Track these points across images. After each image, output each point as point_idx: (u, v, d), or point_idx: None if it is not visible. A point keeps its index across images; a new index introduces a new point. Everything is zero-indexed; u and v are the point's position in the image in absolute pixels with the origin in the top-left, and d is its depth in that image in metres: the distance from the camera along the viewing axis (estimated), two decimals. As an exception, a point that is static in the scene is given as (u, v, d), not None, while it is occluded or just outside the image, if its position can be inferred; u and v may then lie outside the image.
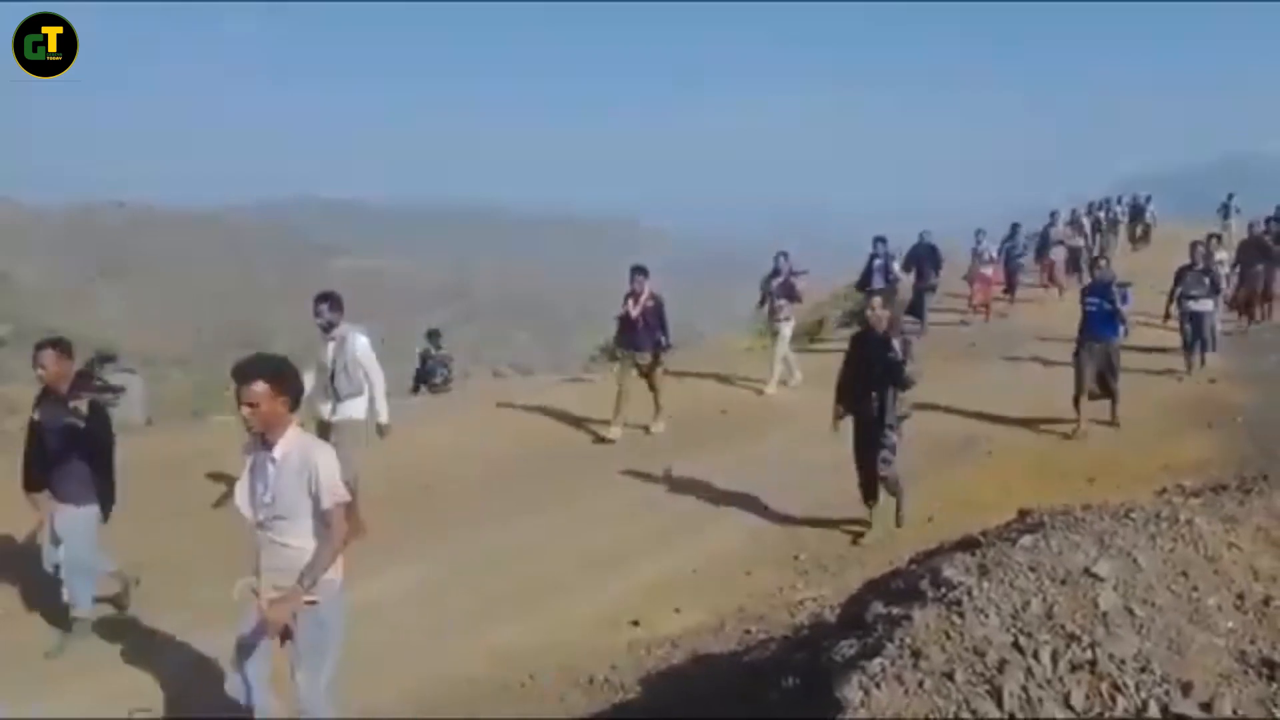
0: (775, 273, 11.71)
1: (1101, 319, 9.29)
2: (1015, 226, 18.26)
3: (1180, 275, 11.73)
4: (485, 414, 10.03)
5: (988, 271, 16.77)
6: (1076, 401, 9.23)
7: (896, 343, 6.47)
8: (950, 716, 2.30)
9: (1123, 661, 2.46)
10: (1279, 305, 14.43)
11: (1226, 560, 3.04)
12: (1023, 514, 3.63)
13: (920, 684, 2.40)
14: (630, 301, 9.76)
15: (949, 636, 2.57)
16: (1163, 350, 11.83)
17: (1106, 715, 2.30)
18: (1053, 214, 19.36)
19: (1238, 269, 14.06)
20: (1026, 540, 3.06)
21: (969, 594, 2.73)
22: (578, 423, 10.07)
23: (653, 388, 9.89)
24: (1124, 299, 9.37)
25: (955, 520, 6.38)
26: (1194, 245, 12.04)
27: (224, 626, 5.58)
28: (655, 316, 9.71)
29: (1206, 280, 11.53)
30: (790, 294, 11.60)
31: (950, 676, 2.41)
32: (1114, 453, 8.42)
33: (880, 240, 14.10)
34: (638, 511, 7.48)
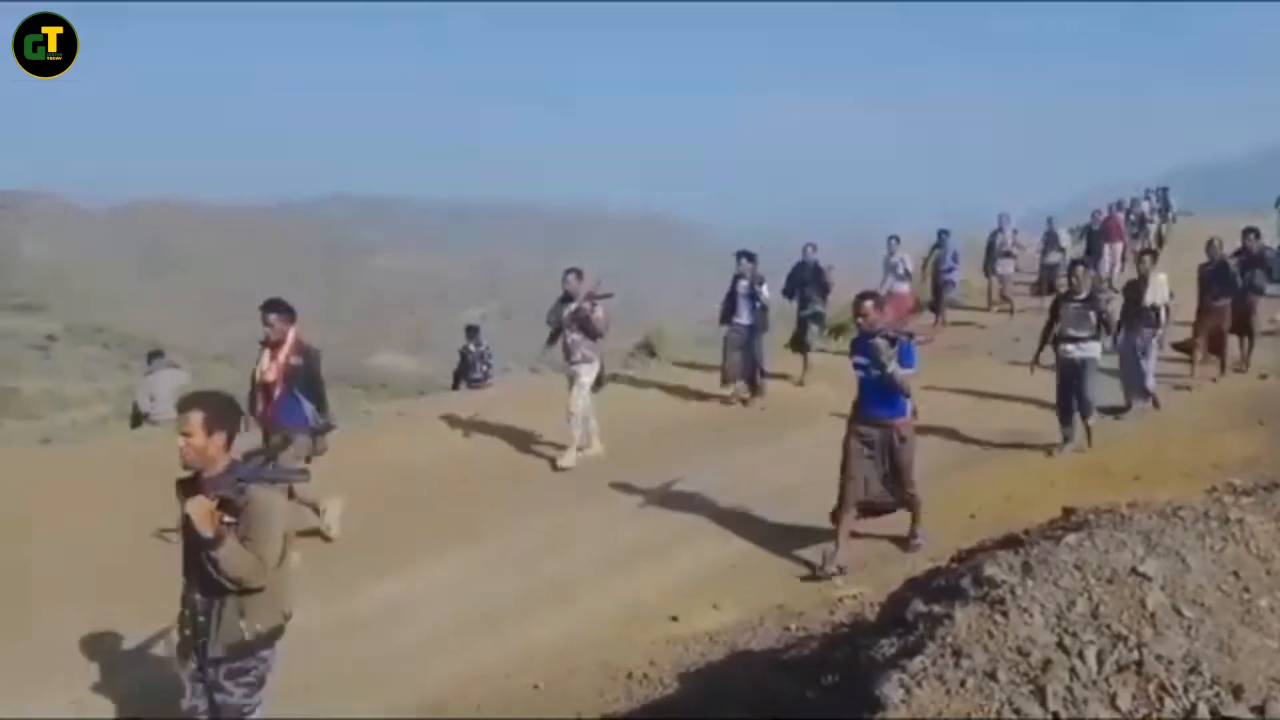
0: (565, 298, 8.63)
1: (875, 389, 6.24)
2: (942, 234, 15.10)
3: (1055, 308, 8.82)
4: (523, 409, 10.05)
5: (902, 289, 13.61)
6: (838, 514, 6.30)
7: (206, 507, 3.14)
8: (993, 716, 2.28)
9: (1171, 663, 2.41)
10: (1261, 342, 11.47)
11: (1279, 560, 2.98)
12: (1068, 512, 3.58)
13: (962, 683, 2.38)
14: (266, 356, 6.49)
15: (991, 635, 2.54)
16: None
17: (1154, 717, 2.26)
18: (1001, 218, 16.14)
19: (1198, 300, 11.02)
20: (1071, 538, 3.01)
21: (1012, 593, 2.70)
22: (619, 417, 10.09)
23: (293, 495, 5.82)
24: (904, 356, 6.15)
25: (997, 517, 6.32)
26: (1074, 266, 9.34)
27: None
28: (303, 380, 6.45)
29: (1091, 315, 8.50)
30: (587, 327, 8.46)
31: (993, 676, 2.39)
32: (1161, 450, 8.27)
33: (745, 256, 10.73)
34: (674, 506, 7.47)
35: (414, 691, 4.95)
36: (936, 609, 2.79)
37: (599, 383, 8.70)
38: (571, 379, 8.59)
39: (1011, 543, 3.28)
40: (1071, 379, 8.51)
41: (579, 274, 8.73)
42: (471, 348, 13.91)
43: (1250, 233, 11.82)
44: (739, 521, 7.15)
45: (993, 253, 15.64)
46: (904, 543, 6.57)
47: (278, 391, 6.44)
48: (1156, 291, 9.77)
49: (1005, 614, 2.61)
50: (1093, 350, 8.52)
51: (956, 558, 3.60)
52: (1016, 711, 2.28)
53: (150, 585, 6.07)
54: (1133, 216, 20.55)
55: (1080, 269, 9.06)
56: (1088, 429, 8.62)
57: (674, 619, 5.64)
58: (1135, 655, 2.43)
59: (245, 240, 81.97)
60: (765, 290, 10.61)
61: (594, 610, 5.84)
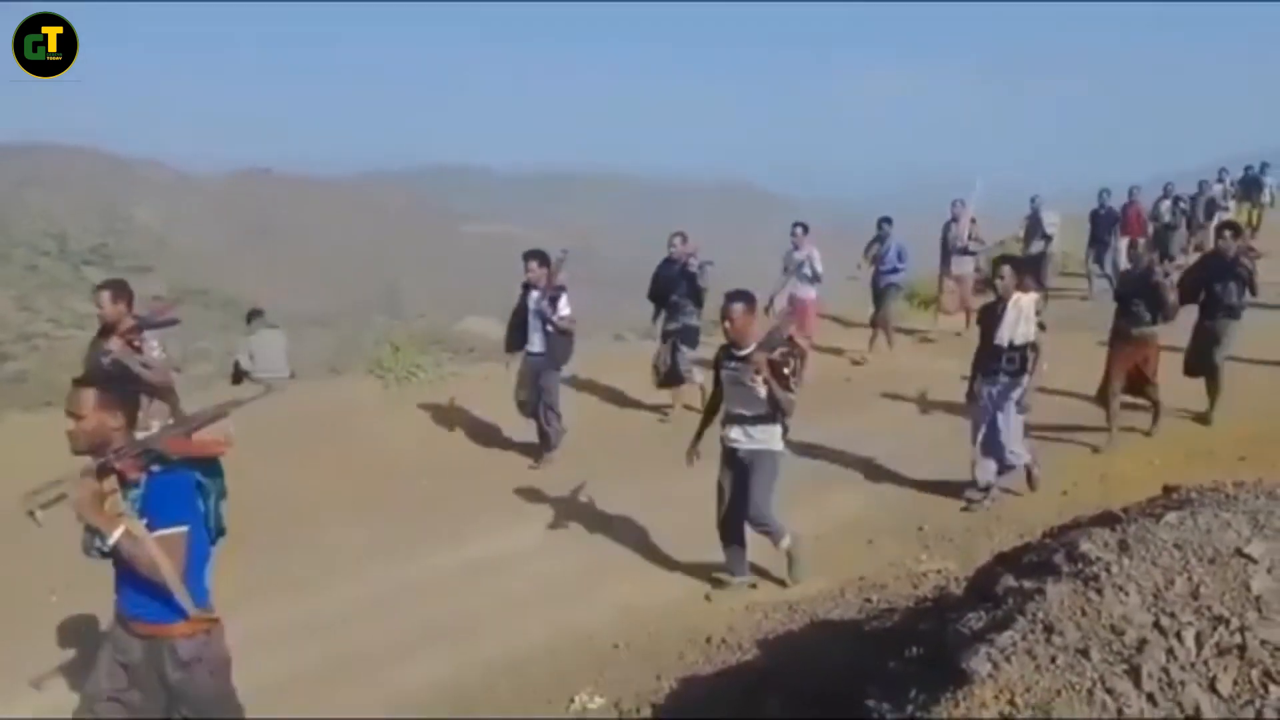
0: (104, 331, 5.71)
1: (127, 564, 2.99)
2: (883, 224, 11.62)
3: (716, 368, 5.71)
4: (609, 374, 10.09)
5: (809, 295, 10.40)
6: None
7: None
8: (1084, 694, 2.23)
9: (1277, 649, 2.31)
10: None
11: (1399, 547, 2.82)
12: (1168, 490, 3.46)
13: (1053, 660, 2.33)
14: None
15: (1084, 613, 2.48)
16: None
17: (1258, 704, 2.18)
18: (954, 206, 12.52)
19: (1112, 324, 8.01)
20: (1172, 517, 2.91)
21: (1108, 570, 2.63)
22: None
23: None
24: (154, 504, 2.94)
25: (1092, 495, 6.15)
26: (726, 302, 5.48)
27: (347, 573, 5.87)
28: None
29: (757, 388, 5.30)
30: (125, 375, 4.91)
31: (1085, 654, 2.33)
32: (1268, 430, 7.88)
33: (535, 257, 7.68)
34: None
35: (502, 648, 5.07)
36: (1027, 584, 2.74)
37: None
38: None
39: (1108, 520, 3.18)
40: (737, 481, 5.52)
41: (115, 293, 5.65)
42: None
43: (1227, 230, 8.58)
44: (823, 492, 7.10)
45: (947, 249, 12.34)
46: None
47: None
48: (1019, 321, 6.60)
49: (1100, 591, 2.54)
50: (767, 439, 5.43)
51: (1049, 534, 3.52)
52: (1109, 691, 2.23)
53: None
54: (1182, 205, 16.08)
55: (738, 307, 5.31)
56: (790, 557, 5.64)
57: (753, 586, 5.65)
58: (1238, 639, 2.34)
59: (341, 209, 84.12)
60: (563, 306, 7.61)
61: (675, 575, 5.89)
